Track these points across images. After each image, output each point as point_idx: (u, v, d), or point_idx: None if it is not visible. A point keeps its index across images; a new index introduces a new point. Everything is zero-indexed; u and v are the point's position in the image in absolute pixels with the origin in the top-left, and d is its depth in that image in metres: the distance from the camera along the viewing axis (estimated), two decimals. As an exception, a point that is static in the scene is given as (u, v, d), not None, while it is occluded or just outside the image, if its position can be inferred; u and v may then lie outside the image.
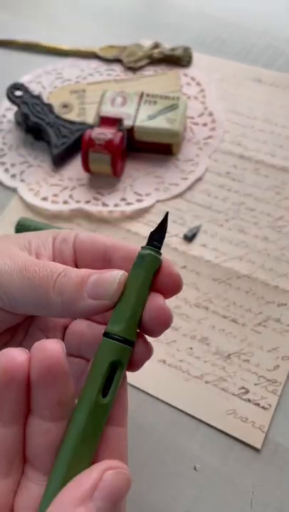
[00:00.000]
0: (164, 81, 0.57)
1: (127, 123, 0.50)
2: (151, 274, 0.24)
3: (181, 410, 0.37)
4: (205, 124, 0.53)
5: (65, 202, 0.49)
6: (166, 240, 0.47)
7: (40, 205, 0.49)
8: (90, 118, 0.54)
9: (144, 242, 0.25)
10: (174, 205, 0.48)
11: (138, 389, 0.38)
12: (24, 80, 0.58)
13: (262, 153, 0.51)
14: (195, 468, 0.35)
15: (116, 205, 0.48)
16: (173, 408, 0.38)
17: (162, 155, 0.51)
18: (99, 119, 0.50)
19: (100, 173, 0.49)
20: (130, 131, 0.50)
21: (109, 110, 0.51)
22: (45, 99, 0.55)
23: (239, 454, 0.36)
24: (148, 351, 0.25)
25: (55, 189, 0.50)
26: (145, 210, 0.48)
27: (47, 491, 0.21)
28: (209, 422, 0.37)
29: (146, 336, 0.25)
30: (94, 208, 0.48)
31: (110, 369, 0.23)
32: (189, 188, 0.49)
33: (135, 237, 0.46)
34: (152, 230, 0.25)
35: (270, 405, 0.37)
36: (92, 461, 0.22)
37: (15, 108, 0.54)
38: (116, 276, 0.24)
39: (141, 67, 0.59)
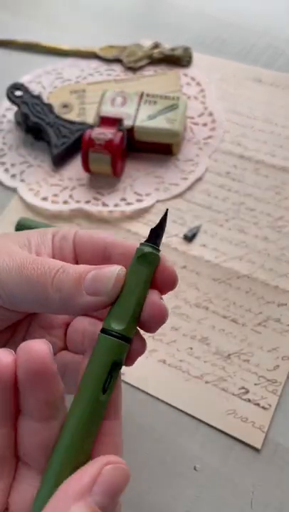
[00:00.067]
0: (164, 81, 0.57)
1: (127, 123, 0.50)
2: (151, 271, 0.24)
3: (181, 410, 0.37)
4: (205, 124, 0.53)
5: (65, 202, 0.49)
6: (166, 239, 0.47)
7: (40, 205, 0.49)
8: (90, 118, 0.54)
9: (144, 242, 0.25)
10: (174, 205, 0.48)
11: (138, 389, 0.38)
12: (24, 80, 0.59)
13: (262, 153, 0.51)
14: (195, 468, 0.35)
15: (116, 205, 0.48)
16: (173, 408, 0.38)
17: (162, 155, 0.51)
18: (99, 119, 0.50)
19: (100, 173, 0.49)
20: (130, 131, 0.50)
21: (109, 110, 0.51)
22: (45, 99, 0.55)
23: (239, 454, 0.36)
24: (143, 347, 0.26)
25: (55, 189, 0.50)
26: (145, 210, 0.48)
27: (42, 487, 0.21)
28: (209, 422, 0.37)
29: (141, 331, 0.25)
30: (94, 207, 0.48)
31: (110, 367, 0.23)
32: (189, 188, 0.49)
33: (135, 237, 0.46)
34: (153, 227, 0.25)
35: (270, 405, 0.37)
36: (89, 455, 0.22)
37: (15, 108, 0.54)
38: (114, 271, 0.24)
39: (141, 67, 0.59)
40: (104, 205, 0.48)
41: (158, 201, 0.48)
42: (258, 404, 0.37)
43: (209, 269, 0.44)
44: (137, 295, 0.24)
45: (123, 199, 0.49)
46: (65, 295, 0.24)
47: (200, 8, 0.65)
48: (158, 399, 0.38)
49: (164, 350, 0.40)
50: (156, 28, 0.63)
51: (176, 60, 0.58)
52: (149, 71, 0.58)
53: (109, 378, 0.23)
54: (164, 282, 0.25)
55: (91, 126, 0.51)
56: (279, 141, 0.51)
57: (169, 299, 0.42)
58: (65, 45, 0.61)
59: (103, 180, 0.50)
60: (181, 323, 0.41)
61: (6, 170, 0.52)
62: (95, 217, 0.48)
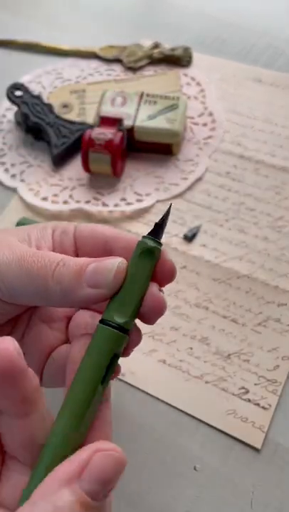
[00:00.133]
0: (164, 81, 0.57)
1: (127, 123, 0.50)
2: (152, 264, 0.25)
3: (181, 410, 0.37)
4: (205, 124, 0.53)
5: (65, 202, 0.49)
6: (166, 239, 0.47)
7: (40, 205, 0.49)
8: (90, 118, 0.54)
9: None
10: (174, 205, 0.48)
11: (138, 389, 0.38)
12: (24, 80, 0.58)
13: (262, 153, 0.51)
14: (195, 468, 0.35)
15: (116, 205, 0.48)
16: (173, 408, 0.38)
17: (162, 155, 0.51)
18: (99, 119, 0.50)
19: (100, 173, 0.49)
20: (130, 131, 0.50)
21: (109, 110, 0.51)
22: (45, 99, 0.55)
23: (239, 454, 0.36)
24: (139, 337, 0.26)
25: (55, 189, 0.50)
26: (145, 210, 0.48)
27: (33, 476, 0.21)
28: (209, 422, 0.37)
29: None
30: (94, 207, 0.48)
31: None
32: (189, 188, 0.49)
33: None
34: (157, 221, 0.25)
35: (270, 405, 0.37)
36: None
37: (15, 108, 0.54)
38: (114, 263, 0.24)
39: (141, 67, 0.59)
40: (104, 205, 0.48)
41: (158, 201, 0.48)
42: (258, 404, 0.37)
43: (209, 269, 0.44)
44: (139, 288, 0.24)
45: (123, 199, 0.49)
46: (65, 287, 0.24)
47: (200, 8, 0.65)
48: (158, 399, 0.38)
49: (164, 350, 0.40)
50: (156, 28, 0.63)
51: (176, 60, 0.58)
52: (149, 71, 0.58)
53: (109, 369, 0.23)
54: (164, 275, 0.25)
55: (91, 126, 0.51)
56: (279, 141, 0.51)
57: (169, 299, 0.42)
58: (65, 45, 0.61)
59: (103, 180, 0.50)
60: (181, 323, 0.41)
61: (6, 170, 0.52)
62: (95, 217, 0.48)
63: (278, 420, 0.37)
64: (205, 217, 0.47)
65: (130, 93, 0.52)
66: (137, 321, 0.25)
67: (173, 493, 0.34)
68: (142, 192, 0.49)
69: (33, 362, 0.29)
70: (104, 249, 0.27)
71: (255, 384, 0.38)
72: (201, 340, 0.40)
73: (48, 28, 0.64)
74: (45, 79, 0.59)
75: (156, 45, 0.59)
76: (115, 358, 0.24)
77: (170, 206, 0.26)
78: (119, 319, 0.24)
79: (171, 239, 0.46)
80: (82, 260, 0.25)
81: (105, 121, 0.49)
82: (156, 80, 0.57)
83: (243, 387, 0.38)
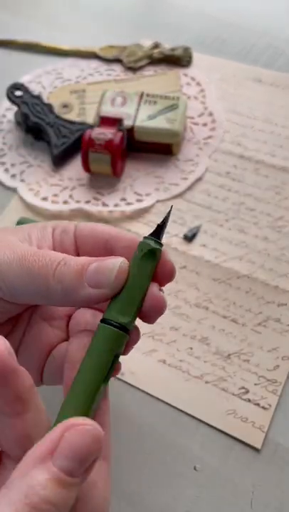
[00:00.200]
0: (164, 81, 0.57)
1: (127, 123, 0.50)
2: (154, 265, 0.25)
3: (181, 410, 0.37)
4: (205, 124, 0.53)
5: (65, 202, 0.49)
6: (166, 239, 0.47)
7: (40, 205, 0.49)
8: (90, 118, 0.54)
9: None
10: (174, 205, 0.48)
11: (138, 389, 0.38)
12: (24, 80, 0.58)
13: (262, 153, 0.51)
14: (195, 468, 0.35)
15: (116, 205, 0.48)
16: (173, 408, 0.38)
17: (162, 155, 0.51)
18: (99, 119, 0.50)
19: (100, 173, 0.49)
20: (130, 131, 0.50)
21: (109, 110, 0.51)
22: (45, 99, 0.55)
23: (239, 454, 0.36)
24: (138, 337, 0.26)
25: (55, 189, 0.50)
26: (145, 210, 0.48)
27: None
28: (209, 422, 0.37)
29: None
30: (94, 207, 0.48)
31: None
32: (189, 188, 0.49)
33: (135, 237, 0.46)
34: (159, 222, 0.26)
35: (270, 405, 0.37)
36: None
37: (15, 108, 0.54)
38: (116, 263, 0.24)
39: (141, 67, 0.59)
40: (104, 205, 0.48)
41: (158, 201, 0.48)
42: (258, 404, 0.37)
43: (209, 269, 0.44)
44: (141, 288, 0.24)
45: (123, 199, 0.49)
46: (66, 287, 0.24)
47: (200, 8, 0.65)
48: (158, 399, 0.38)
49: (164, 350, 0.40)
50: (156, 28, 0.63)
51: (176, 60, 0.58)
52: (149, 71, 0.58)
53: (110, 369, 0.24)
54: (164, 275, 0.25)
55: (91, 126, 0.51)
56: (279, 141, 0.51)
57: (169, 299, 0.42)
58: (65, 45, 0.61)
59: (103, 180, 0.50)
60: (181, 323, 0.41)
61: (6, 170, 0.52)
62: (95, 217, 0.48)
63: (278, 420, 0.37)
64: (205, 217, 0.47)
65: (130, 93, 0.52)
66: (137, 320, 0.25)
67: (173, 493, 0.34)
68: (142, 192, 0.49)
69: (33, 360, 0.29)
70: (105, 249, 0.27)
71: (255, 384, 0.38)
72: (201, 340, 0.40)
73: (48, 28, 0.64)
74: (45, 79, 0.59)
75: (156, 45, 0.59)
76: (116, 357, 0.24)
77: (171, 208, 0.26)
78: (121, 319, 0.24)
79: (171, 239, 0.46)
80: (84, 260, 0.25)
81: (105, 121, 0.49)
82: (156, 80, 0.57)
83: (243, 387, 0.38)
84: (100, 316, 0.28)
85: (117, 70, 0.59)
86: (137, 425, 0.37)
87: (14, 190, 0.51)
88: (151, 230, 0.25)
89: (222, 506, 0.34)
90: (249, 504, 0.34)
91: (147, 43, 0.60)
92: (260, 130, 0.52)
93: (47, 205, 0.49)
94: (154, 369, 0.39)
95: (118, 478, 0.35)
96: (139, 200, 0.49)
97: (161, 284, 0.25)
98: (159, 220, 0.26)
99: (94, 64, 0.60)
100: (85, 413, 0.22)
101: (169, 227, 0.46)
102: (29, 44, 0.62)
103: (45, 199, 0.49)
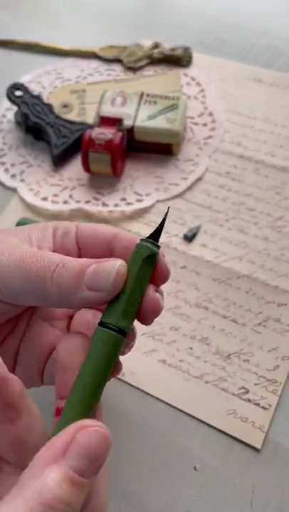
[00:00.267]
0: (164, 81, 0.57)
1: (127, 123, 0.50)
2: (152, 267, 0.25)
3: (181, 410, 0.37)
4: (205, 124, 0.53)
5: (65, 202, 0.49)
6: (166, 239, 0.47)
7: (40, 205, 0.49)
8: (90, 118, 0.54)
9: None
10: (174, 205, 0.48)
11: (138, 389, 0.38)
12: (24, 80, 0.58)
13: (262, 153, 0.51)
14: (195, 468, 0.35)
15: (116, 205, 0.48)
16: (173, 408, 0.38)
17: (162, 155, 0.51)
18: (99, 119, 0.50)
19: (100, 173, 0.49)
20: (130, 131, 0.50)
21: (109, 110, 0.51)
22: (45, 99, 0.55)
23: (239, 454, 0.36)
24: (134, 338, 0.26)
25: (55, 189, 0.50)
26: (145, 210, 0.48)
27: None
28: (209, 422, 0.37)
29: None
30: (94, 207, 0.48)
31: None
32: (189, 188, 0.49)
33: (135, 237, 0.46)
34: (157, 225, 0.26)
35: (270, 405, 0.37)
36: None
37: (15, 108, 0.54)
38: (114, 265, 0.24)
39: (141, 67, 0.59)
40: (104, 205, 0.48)
41: (158, 201, 0.48)
42: (258, 404, 0.37)
43: (209, 269, 0.44)
44: (139, 291, 0.24)
45: (123, 199, 0.49)
46: (65, 290, 0.24)
47: (200, 8, 0.65)
48: (158, 399, 0.38)
49: (164, 350, 0.40)
50: (156, 28, 0.63)
51: (176, 60, 0.58)
52: (149, 71, 0.58)
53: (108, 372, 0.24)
54: (160, 277, 0.25)
55: (91, 126, 0.51)
56: (279, 141, 0.51)
57: (169, 299, 0.42)
58: (65, 45, 0.61)
59: (103, 180, 0.50)
60: (181, 323, 0.41)
61: (6, 170, 0.52)
62: (95, 217, 0.48)
63: (278, 420, 0.37)
64: (205, 217, 0.47)
65: (130, 93, 0.52)
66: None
67: (173, 493, 0.34)
68: (142, 192, 0.49)
69: (33, 360, 0.29)
70: (108, 249, 0.27)
71: (255, 384, 0.38)
72: (201, 340, 0.40)
73: (48, 28, 0.64)
74: (45, 79, 0.59)
75: (156, 45, 0.59)
76: (114, 359, 0.24)
77: (168, 210, 0.26)
78: (120, 323, 0.24)
79: (171, 239, 0.46)
80: (82, 261, 0.24)
81: (105, 121, 0.49)
82: (156, 80, 0.57)
83: (243, 387, 0.38)
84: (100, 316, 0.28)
85: (117, 70, 0.59)
86: (137, 425, 0.37)
87: (14, 190, 0.51)
88: (152, 230, 0.25)
89: (222, 506, 0.34)
90: (249, 504, 0.34)
91: (147, 43, 0.60)
92: (260, 130, 0.52)
93: (47, 205, 0.49)
94: (154, 369, 0.39)
95: (118, 478, 0.35)
96: (139, 200, 0.49)
97: (158, 285, 0.25)
98: (160, 220, 0.26)
99: (94, 64, 0.60)
100: (87, 415, 0.22)
101: (169, 227, 0.46)
102: (29, 44, 0.62)
103: (45, 199, 0.49)
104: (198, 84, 0.57)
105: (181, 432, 0.37)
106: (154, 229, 0.25)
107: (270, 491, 0.34)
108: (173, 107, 0.50)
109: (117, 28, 0.63)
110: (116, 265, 0.24)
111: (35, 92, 0.55)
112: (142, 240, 0.25)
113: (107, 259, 0.24)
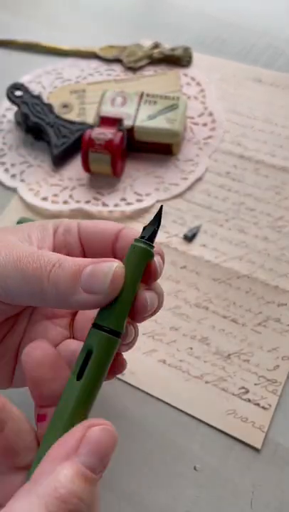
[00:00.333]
0: (164, 81, 0.57)
1: (127, 123, 0.50)
2: (144, 267, 0.24)
3: (181, 410, 0.37)
4: (205, 124, 0.53)
5: (65, 202, 0.49)
6: (166, 239, 0.47)
7: (40, 205, 0.49)
8: (90, 118, 0.54)
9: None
10: (174, 205, 0.48)
11: (138, 389, 0.38)
12: (24, 80, 0.58)
13: (262, 153, 0.51)
14: (195, 468, 0.35)
15: (116, 205, 0.48)
16: (173, 408, 0.38)
17: (162, 155, 0.51)
18: (99, 119, 0.50)
19: (100, 173, 0.49)
20: (130, 131, 0.50)
21: (109, 110, 0.51)
22: (45, 99, 0.55)
23: (239, 454, 0.36)
24: (136, 337, 0.26)
25: (55, 189, 0.50)
26: (145, 210, 0.48)
27: (35, 463, 0.22)
28: (209, 422, 0.37)
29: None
30: (94, 208, 0.48)
31: None
32: (189, 188, 0.49)
33: (135, 237, 0.46)
34: (147, 225, 0.25)
35: (270, 405, 0.37)
36: None
37: (15, 108, 0.54)
38: (111, 266, 0.23)
39: (141, 67, 0.59)
40: (104, 205, 0.48)
41: (158, 201, 0.48)
42: (258, 404, 0.37)
43: (209, 269, 0.44)
44: (133, 291, 0.24)
45: (123, 199, 0.49)
46: (61, 290, 0.24)
47: (200, 8, 0.65)
48: (158, 399, 0.38)
49: (164, 350, 0.40)
50: (156, 28, 0.63)
51: (176, 60, 0.58)
52: (149, 71, 0.58)
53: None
54: (151, 275, 0.25)
55: (91, 126, 0.51)
56: (279, 141, 0.51)
57: (169, 299, 0.42)
58: (65, 45, 0.61)
59: (103, 180, 0.50)
60: (181, 323, 0.41)
61: (6, 170, 0.52)
62: (95, 218, 0.48)
63: (278, 420, 0.37)
64: (205, 217, 0.47)
65: (130, 93, 0.52)
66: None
67: (173, 493, 0.34)
68: (142, 192, 0.49)
69: None
70: (112, 245, 0.26)
71: (255, 384, 0.38)
72: (201, 340, 0.40)
73: (48, 28, 0.64)
74: (45, 79, 0.59)
75: (156, 45, 0.59)
76: (110, 362, 0.24)
77: (161, 208, 0.26)
78: (114, 325, 0.24)
79: (171, 239, 0.46)
80: (79, 261, 0.24)
81: (105, 121, 0.49)
82: (156, 80, 0.57)
83: (243, 387, 0.38)
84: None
85: (117, 70, 0.59)
86: (137, 425, 0.37)
87: (14, 190, 0.51)
88: (148, 229, 0.25)
89: (222, 506, 0.34)
90: (249, 504, 0.34)
91: (147, 43, 0.60)
92: (260, 130, 0.52)
93: (47, 205, 0.49)
94: (154, 369, 0.39)
95: (118, 478, 0.35)
96: (139, 200, 0.49)
97: (146, 283, 0.25)
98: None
99: (94, 64, 0.60)
100: (86, 417, 0.23)
101: (169, 227, 0.46)
102: (29, 44, 0.62)
103: (45, 199, 0.49)
104: (198, 84, 0.57)
105: (181, 431, 0.37)
106: (149, 227, 0.25)
107: (270, 491, 0.34)
108: (173, 107, 0.50)
109: (117, 28, 0.63)
110: (113, 266, 0.23)
111: (35, 92, 0.55)
112: (136, 240, 0.25)
113: (104, 259, 0.24)
